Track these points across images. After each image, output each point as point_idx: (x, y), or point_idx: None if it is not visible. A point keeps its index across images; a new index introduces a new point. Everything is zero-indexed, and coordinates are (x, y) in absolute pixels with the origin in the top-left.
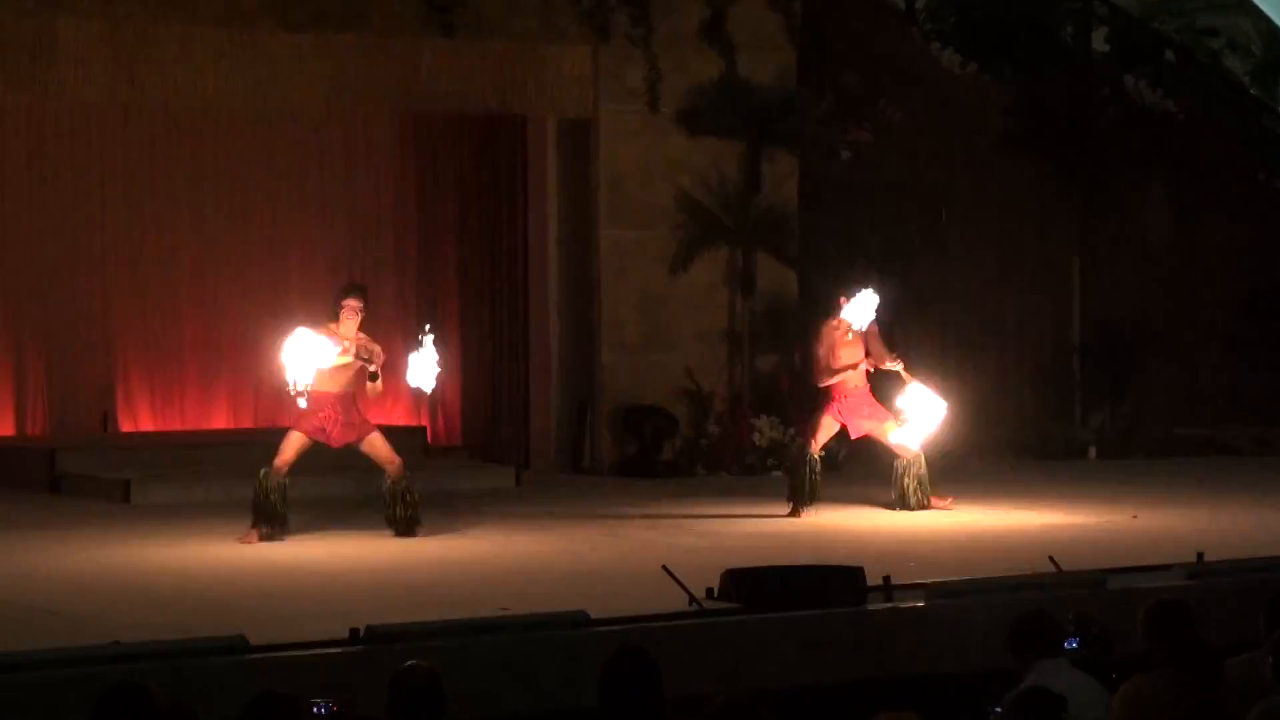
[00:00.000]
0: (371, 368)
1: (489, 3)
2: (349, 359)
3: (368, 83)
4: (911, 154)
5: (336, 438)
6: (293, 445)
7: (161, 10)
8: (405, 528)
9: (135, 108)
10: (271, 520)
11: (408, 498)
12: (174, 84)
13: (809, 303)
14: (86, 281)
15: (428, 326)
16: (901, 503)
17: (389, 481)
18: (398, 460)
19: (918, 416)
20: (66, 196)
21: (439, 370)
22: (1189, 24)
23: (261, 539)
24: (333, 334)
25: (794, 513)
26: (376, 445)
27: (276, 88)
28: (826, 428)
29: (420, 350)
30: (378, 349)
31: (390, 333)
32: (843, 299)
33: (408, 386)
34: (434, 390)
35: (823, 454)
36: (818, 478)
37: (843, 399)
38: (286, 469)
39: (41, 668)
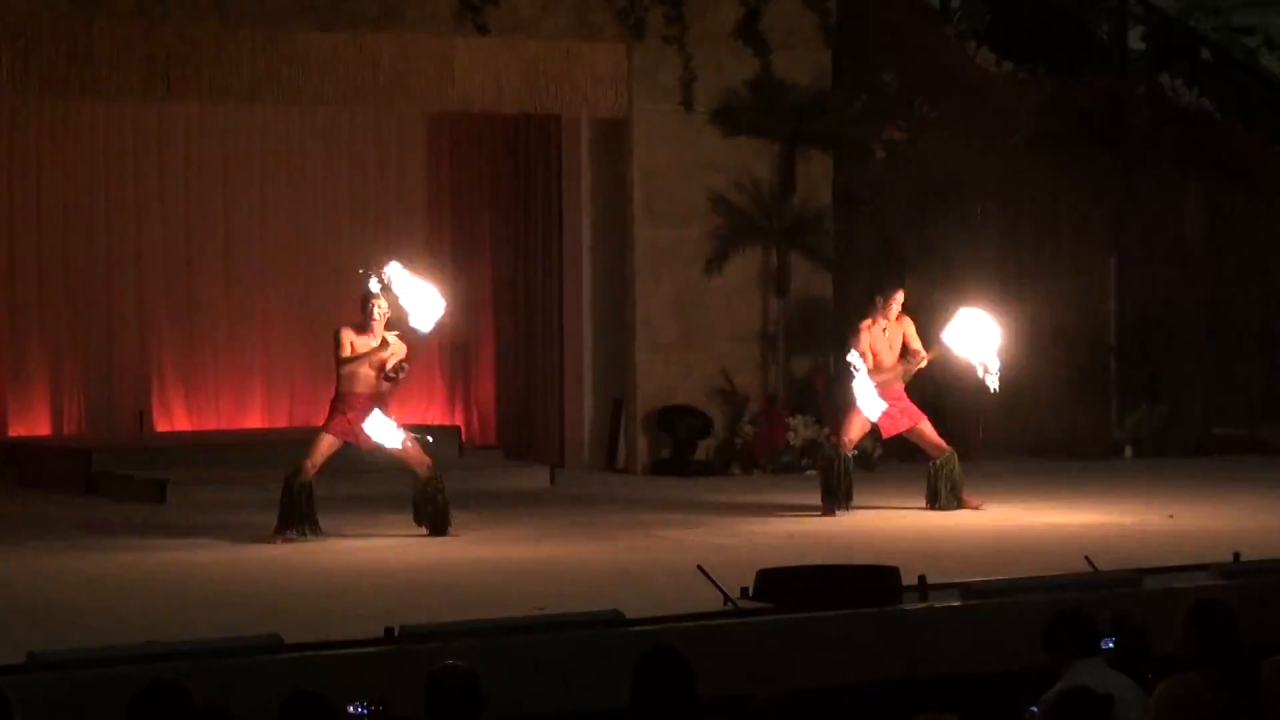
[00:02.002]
0: (398, 376)
1: (523, 1)
2: (389, 351)
3: (401, 81)
4: (946, 153)
5: (366, 439)
6: (323, 447)
7: (196, 11)
8: (436, 527)
9: (170, 108)
10: (299, 522)
11: (439, 498)
12: (209, 84)
13: (844, 303)
14: (121, 282)
15: (360, 270)
16: (933, 502)
17: (420, 481)
18: (428, 460)
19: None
20: (101, 197)
21: (437, 303)
22: (1225, 22)
23: (286, 540)
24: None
25: (827, 512)
26: (407, 446)
27: (310, 87)
28: (858, 426)
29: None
30: (400, 354)
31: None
32: (878, 298)
33: (443, 386)
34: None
35: (855, 453)
36: (850, 477)
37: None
38: (315, 471)
39: (77, 667)
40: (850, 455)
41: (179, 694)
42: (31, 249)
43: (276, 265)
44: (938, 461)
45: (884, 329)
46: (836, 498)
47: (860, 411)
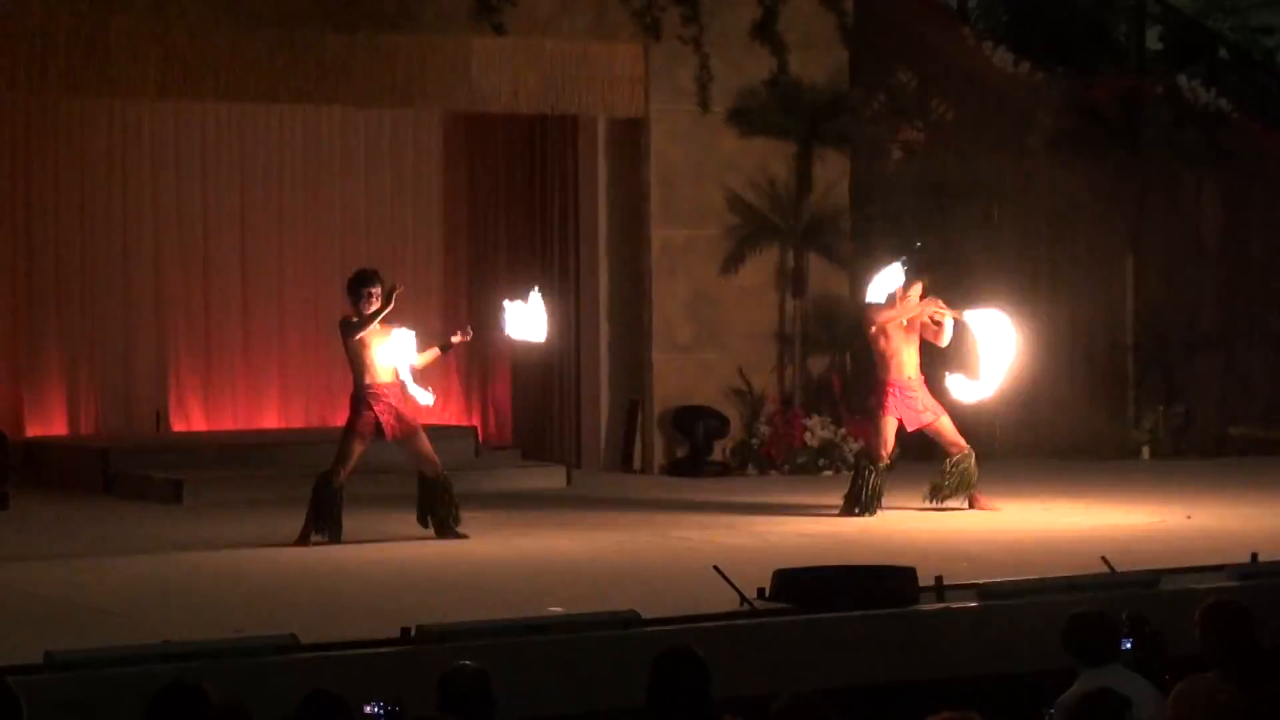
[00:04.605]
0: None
1: (540, 2)
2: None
3: (417, 82)
4: (963, 153)
5: (390, 432)
6: (354, 448)
7: (212, 11)
8: (441, 527)
9: (187, 107)
10: (325, 525)
11: (446, 498)
12: (225, 84)
13: (860, 302)
14: (138, 282)
15: (536, 288)
16: (933, 495)
17: (427, 480)
18: (437, 460)
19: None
20: (118, 197)
21: (545, 323)
22: (1243, 22)
23: (313, 544)
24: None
25: (846, 513)
26: (419, 443)
27: (326, 87)
28: (889, 430)
29: (525, 303)
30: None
31: (441, 332)
32: (899, 289)
33: (459, 386)
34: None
35: (889, 464)
36: (880, 486)
37: (896, 394)
38: (347, 473)
39: (93, 667)
40: (884, 467)
41: (198, 694)
42: (49, 249)
43: (293, 265)
44: (954, 459)
45: (904, 323)
46: (862, 505)
47: (886, 414)
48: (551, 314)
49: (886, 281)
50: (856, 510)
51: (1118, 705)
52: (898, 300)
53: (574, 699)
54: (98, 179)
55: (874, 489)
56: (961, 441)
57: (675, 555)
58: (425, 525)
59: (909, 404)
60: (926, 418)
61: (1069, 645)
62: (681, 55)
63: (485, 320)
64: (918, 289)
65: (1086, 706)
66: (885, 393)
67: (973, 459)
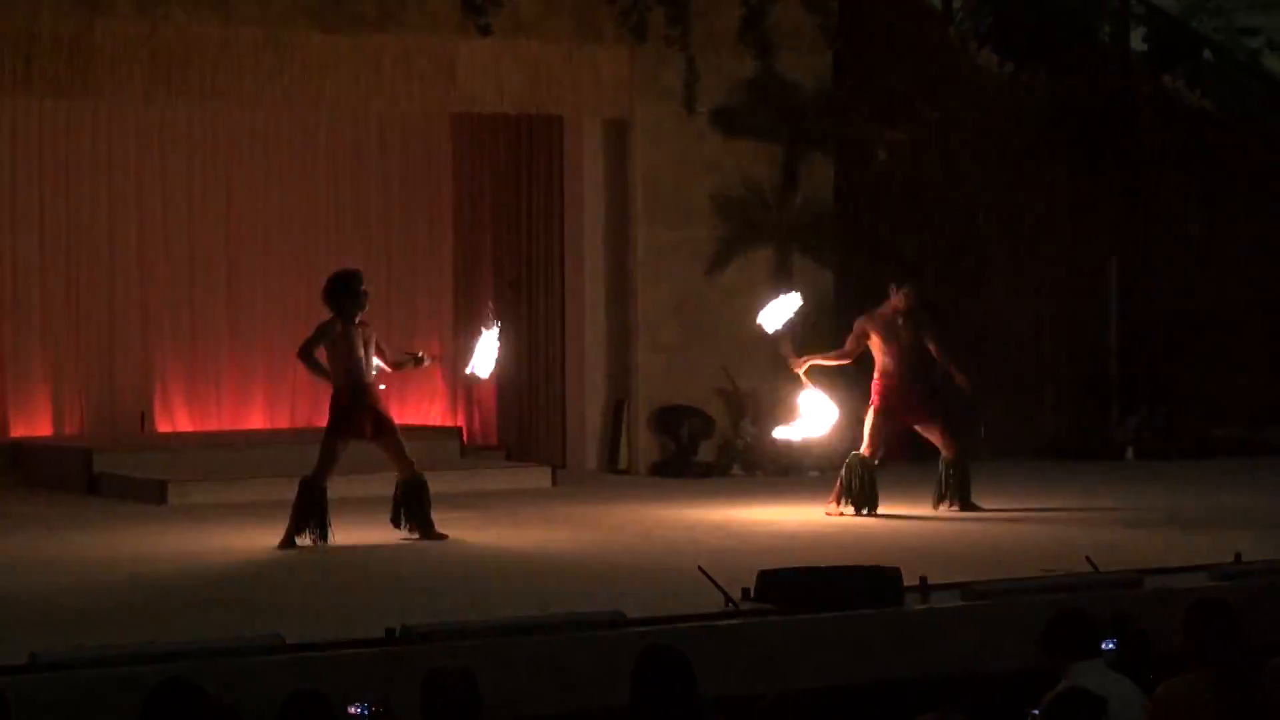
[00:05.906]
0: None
1: (525, 3)
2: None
3: (403, 83)
4: (948, 154)
5: (370, 432)
6: (337, 449)
7: (199, 12)
8: (424, 530)
9: (172, 110)
10: (312, 528)
11: (423, 498)
12: (211, 86)
13: (845, 304)
14: (123, 282)
15: (496, 321)
16: (938, 501)
17: (401, 481)
18: (412, 461)
19: (809, 419)
20: (103, 198)
21: (495, 362)
22: (1228, 23)
23: (299, 547)
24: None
25: (835, 511)
26: (393, 444)
27: (313, 89)
28: (876, 429)
29: (483, 338)
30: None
31: (426, 333)
32: (892, 286)
33: (446, 383)
34: (486, 378)
35: (879, 461)
36: (873, 483)
37: (883, 396)
38: (330, 475)
39: (79, 667)
40: (874, 461)
41: (194, 692)
42: (33, 250)
43: (278, 266)
44: (947, 460)
45: (899, 321)
46: (861, 502)
47: (878, 414)
48: (536, 316)
49: (780, 309)
50: (856, 508)
51: (1092, 705)
52: (891, 305)
53: (559, 699)
54: (83, 180)
55: (868, 485)
56: (953, 442)
57: (660, 555)
58: (399, 527)
59: (894, 405)
60: (916, 416)
61: (1048, 645)
62: (667, 57)
63: (472, 321)
64: (905, 293)
65: (1061, 707)
66: (872, 396)
67: (964, 460)
